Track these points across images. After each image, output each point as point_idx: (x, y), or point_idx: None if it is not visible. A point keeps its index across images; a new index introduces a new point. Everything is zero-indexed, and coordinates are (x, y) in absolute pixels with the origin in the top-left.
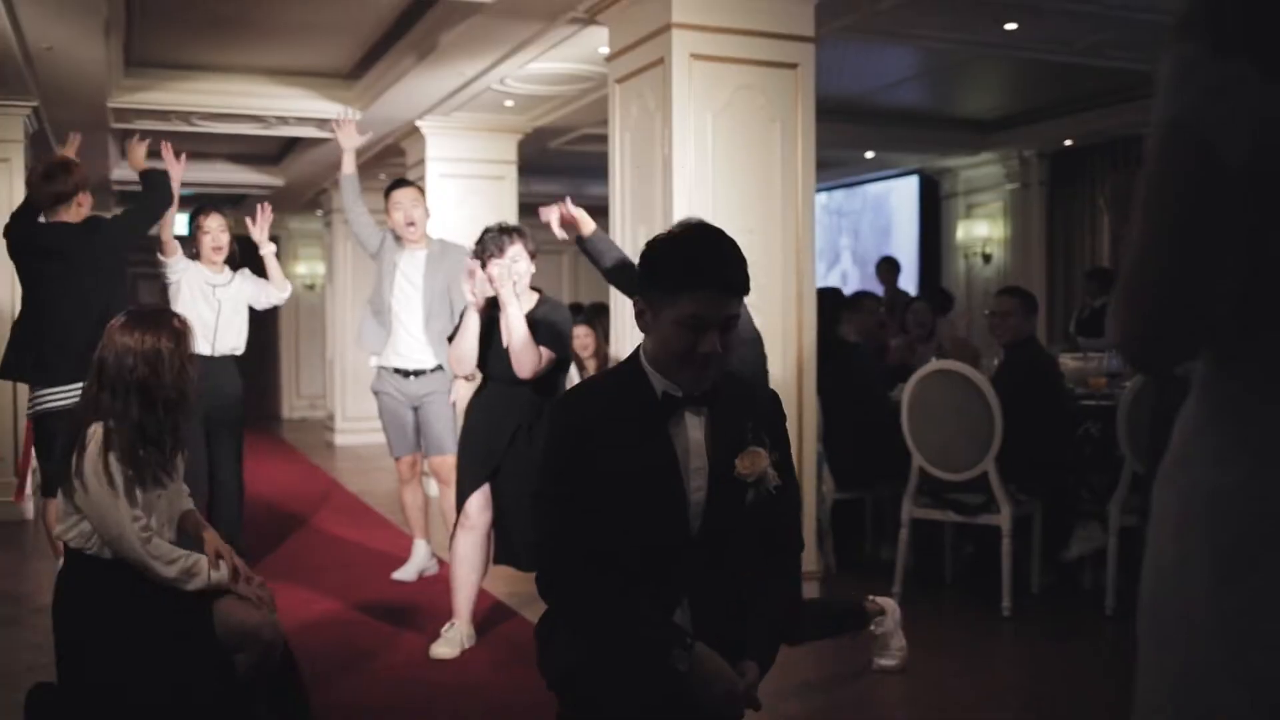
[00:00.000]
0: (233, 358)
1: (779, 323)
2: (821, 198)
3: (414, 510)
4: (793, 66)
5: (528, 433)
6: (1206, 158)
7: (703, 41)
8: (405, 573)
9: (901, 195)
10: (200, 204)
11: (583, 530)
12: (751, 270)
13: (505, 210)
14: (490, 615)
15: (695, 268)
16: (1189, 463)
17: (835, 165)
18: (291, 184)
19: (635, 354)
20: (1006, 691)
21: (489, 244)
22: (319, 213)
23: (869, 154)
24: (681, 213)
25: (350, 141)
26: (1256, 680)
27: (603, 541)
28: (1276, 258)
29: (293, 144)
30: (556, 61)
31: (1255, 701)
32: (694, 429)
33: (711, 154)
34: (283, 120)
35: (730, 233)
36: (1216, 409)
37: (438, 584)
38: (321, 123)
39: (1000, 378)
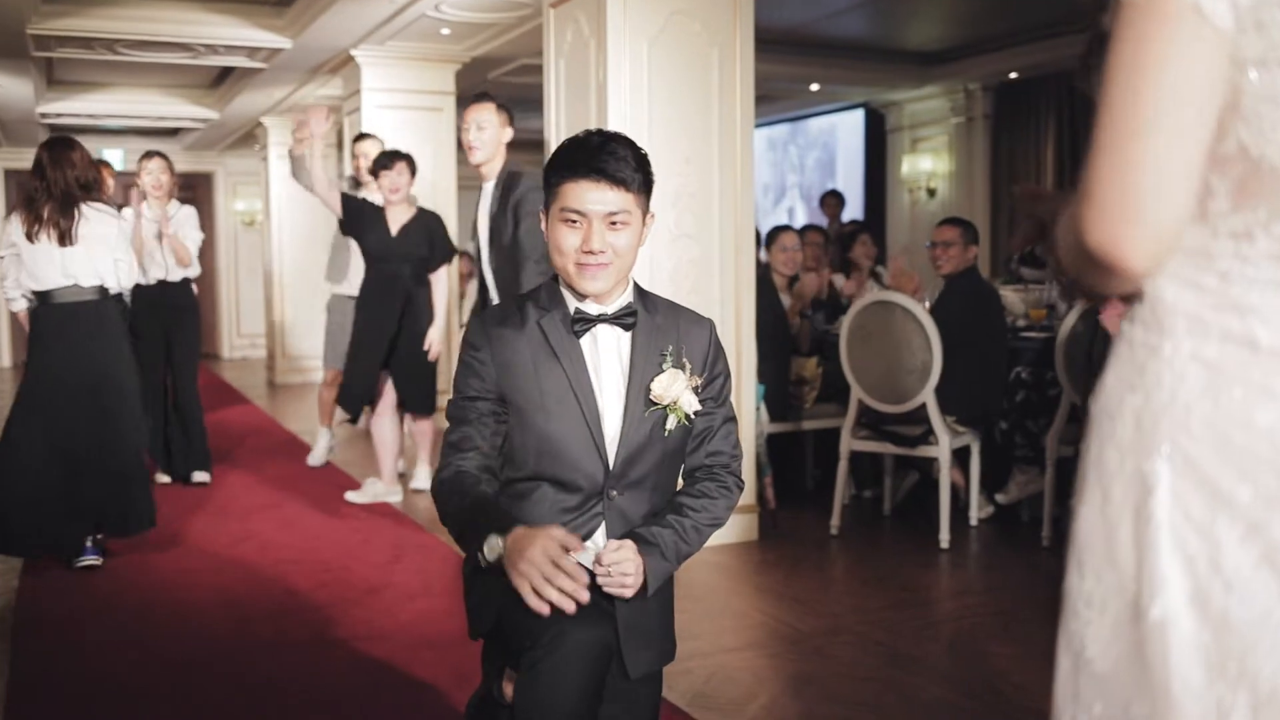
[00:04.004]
0: (186, 282)
1: (716, 253)
2: (767, 132)
3: (328, 405)
4: None
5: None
6: (1192, 18)
7: None
8: (314, 459)
9: (847, 129)
10: (146, 151)
11: (480, 442)
12: (689, 200)
13: (443, 142)
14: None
15: (571, 158)
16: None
17: (781, 98)
18: (227, 117)
19: (554, 275)
20: (938, 622)
21: None
22: (256, 147)
23: (814, 86)
24: None
25: (320, 127)
26: None
27: (519, 463)
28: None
29: (226, 74)
30: None
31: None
32: (612, 350)
33: (647, 81)
34: (211, 49)
35: (666, 162)
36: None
37: (374, 521)
38: (252, 51)
39: (940, 308)
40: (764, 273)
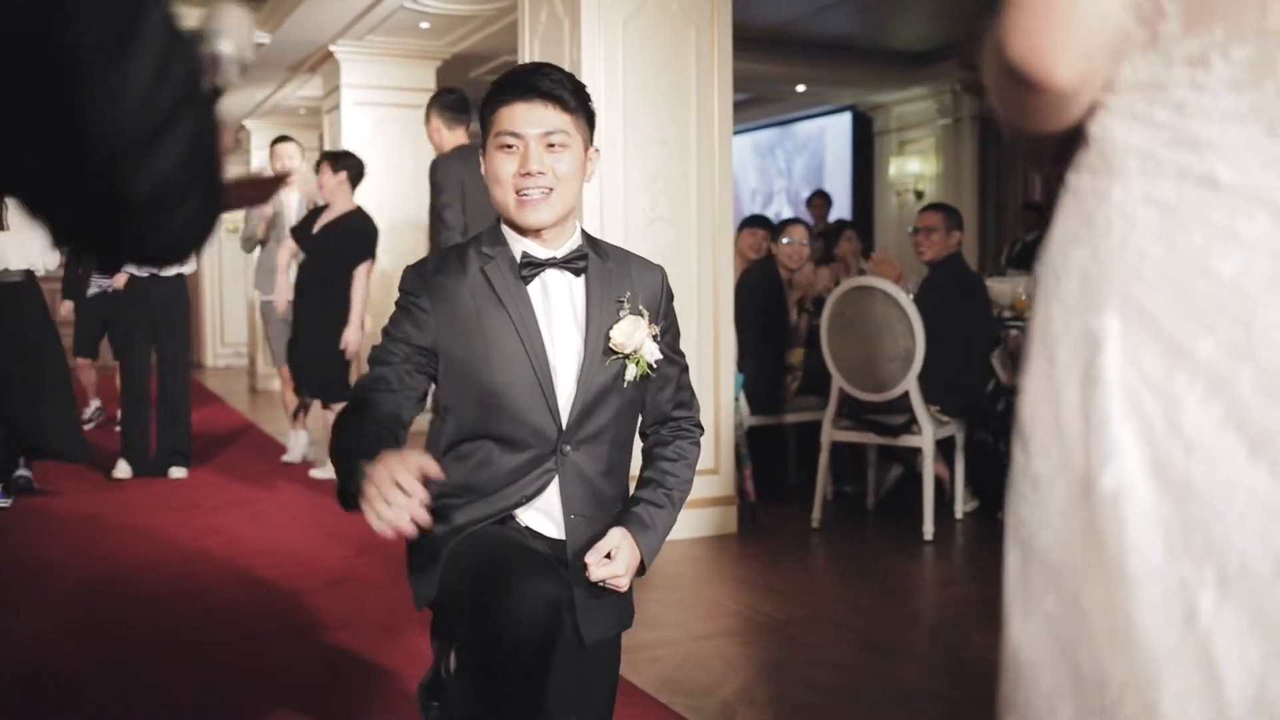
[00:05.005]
0: (180, 276)
1: (694, 237)
2: (754, 136)
3: (293, 406)
4: None
5: None
6: None
7: None
8: (291, 456)
9: (834, 133)
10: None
11: (394, 384)
12: (665, 183)
13: (421, 140)
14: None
15: (504, 83)
16: None
17: (768, 101)
18: None
19: (497, 219)
20: (920, 611)
21: None
22: (239, 153)
23: (800, 87)
24: None
25: (291, 163)
26: None
27: (462, 422)
28: None
29: None
30: None
31: None
32: (564, 298)
33: (622, 61)
34: None
35: (642, 144)
36: None
37: (344, 515)
38: None
39: (923, 295)
40: (770, 264)
